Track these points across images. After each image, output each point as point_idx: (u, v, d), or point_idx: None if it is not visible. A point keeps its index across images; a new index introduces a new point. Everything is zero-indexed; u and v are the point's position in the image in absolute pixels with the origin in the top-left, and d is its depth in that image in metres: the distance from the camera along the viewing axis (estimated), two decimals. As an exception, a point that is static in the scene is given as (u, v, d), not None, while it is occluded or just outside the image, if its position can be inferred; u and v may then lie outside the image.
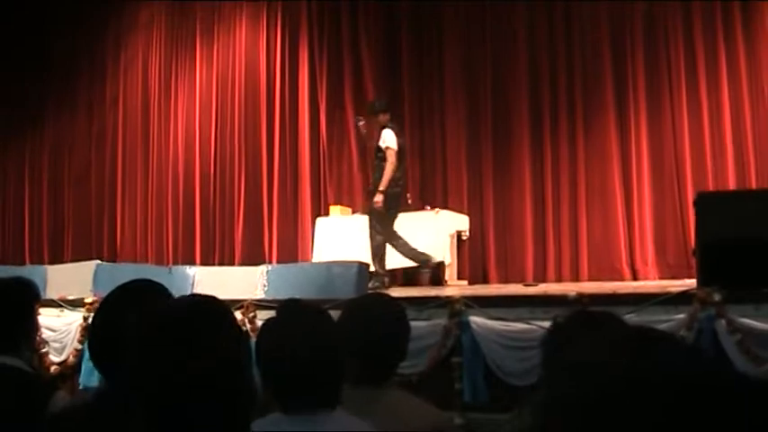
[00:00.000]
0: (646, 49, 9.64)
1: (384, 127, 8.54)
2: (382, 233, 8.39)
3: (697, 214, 5.67)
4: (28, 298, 3.24)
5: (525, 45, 10.13)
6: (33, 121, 13.25)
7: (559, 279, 9.59)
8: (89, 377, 6.59)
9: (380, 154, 8.41)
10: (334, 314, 2.44)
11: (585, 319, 2.42)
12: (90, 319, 6.78)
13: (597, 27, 9.83)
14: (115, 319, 2.12)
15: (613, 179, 9.57)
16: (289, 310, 2.26)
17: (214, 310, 1.61)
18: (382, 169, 8.34)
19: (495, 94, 10.26)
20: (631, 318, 4.85)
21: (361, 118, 9.06)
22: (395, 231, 8.47)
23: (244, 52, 11.71)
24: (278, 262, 10.02)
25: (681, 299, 5.27)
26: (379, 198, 8.26)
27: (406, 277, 9.79)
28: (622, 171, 9.60)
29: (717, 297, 5.02)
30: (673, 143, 9.44)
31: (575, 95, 9.91)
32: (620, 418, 1.00)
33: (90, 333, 2.26)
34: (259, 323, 5.06)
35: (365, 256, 8.05)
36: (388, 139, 8.40)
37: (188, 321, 1.54)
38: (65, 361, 6.96)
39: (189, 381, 1.47)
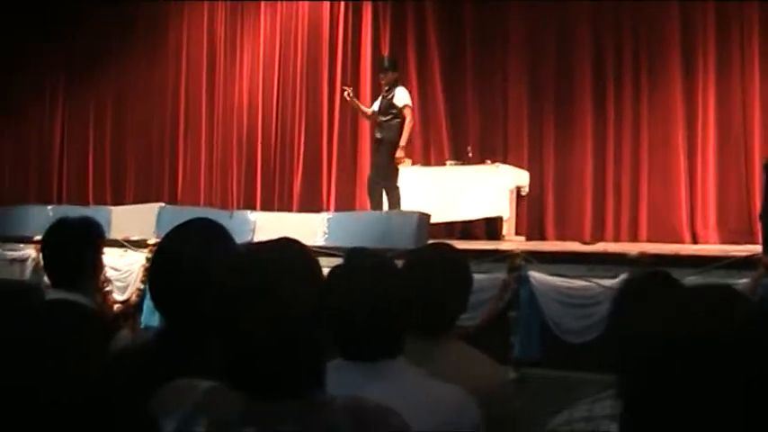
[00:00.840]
0: (717, 5, 9.38)
1: (396, 85, 8.89)
2: (394, 186, 8.71)
3: (766, 178, 5.56)
4: (93, 237, 3.28)
5: (590, 3, 9.93)
6: (97, 66, 13.38)
7: (617, 239, 9.50)
8: (151, 316, 6.72)
9: (394, 110, 8.73)
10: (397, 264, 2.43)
11: (661, 277, 2.38)
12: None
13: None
14: (175, 259, 2.14)
15: (677, 139, 9.41)
16: (356, 259, 2.25)
17: (303, 256, 1.61)
18: (396, 127, 8.71)
19: (559, 49, 10.12)
20: (695, 280, 4.77)
21: (346, 88, 9.30)
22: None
23: (307, 11, 11.65)
24: (335, 210, 10.06)
25: (745, 263, 5.20)
26: (401, 154, 8.72)
27: (463, 230, 9.78)
28: (687, 132, 9.43)
29: (783, 262, 4.94)
30: (741, 105, 9.24)
31: (640, 52, 9.74)
32: (691, 373, 1.00)
33: (150, 272, 2.27)
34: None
35: (424, 206, 8.05)
36: (405, 97, 8.83)
37: (280, 269, 1.54)
38: (127, 300, 7.12)
39: (276, 330, 1.48)
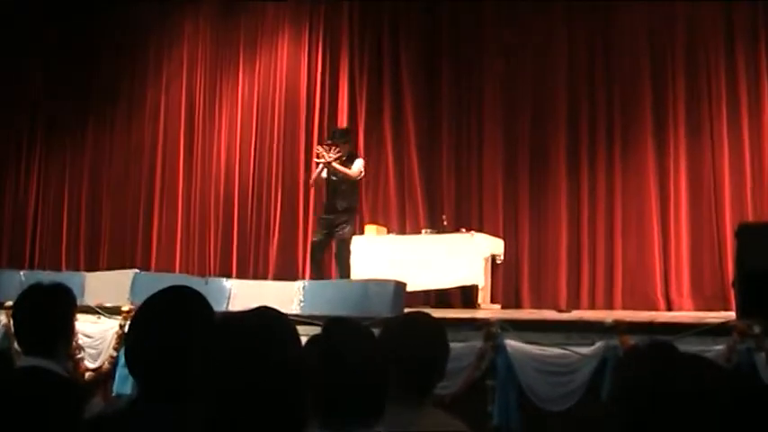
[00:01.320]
0: (686, 77, 9.63)
1: (353, 156, 9.13)
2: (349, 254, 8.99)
3: (738, 245, 5.61)
4: (66, 303, 3.25)
5: (564, 70, 10.14)
6: (74, 130, 13.41)
7: (593, 306, 9.53)
8: (123, 384, 6.62)
9: (354, 181, 8.93)
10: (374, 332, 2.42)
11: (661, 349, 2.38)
12: (127, 327, 6.85)
13: (636, 53, 9.82)
14: (152, 327, 2.12)
15: (650, 207, 9.51)
16: (335, 328, 2.25)
17: (283, 324, 1.61)
18: (356, 194, 9.08)
19: (534, 119, 10.26)
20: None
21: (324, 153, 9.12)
22: None
23: (285, 68, 11.80)
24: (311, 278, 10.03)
25: (719, 330, 5.21)
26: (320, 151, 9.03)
27: (438, 298, 9.78)
28: (659, 200, 9.54)
29: (756, 329, 4.96)
30: (712, 172, 9.37)
31: (613, 122, 9.89)
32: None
33: (126, 340, 2.25)
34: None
35: (400, 274, 8.04)
36: (362, 168, 9.07)
37: (261, 337, 1.54)
38: (99, 367, 7.01)
39: (259, 396, 1.47)
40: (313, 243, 9.27)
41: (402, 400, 2.47)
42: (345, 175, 8.97)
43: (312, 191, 10.56)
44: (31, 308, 3.16)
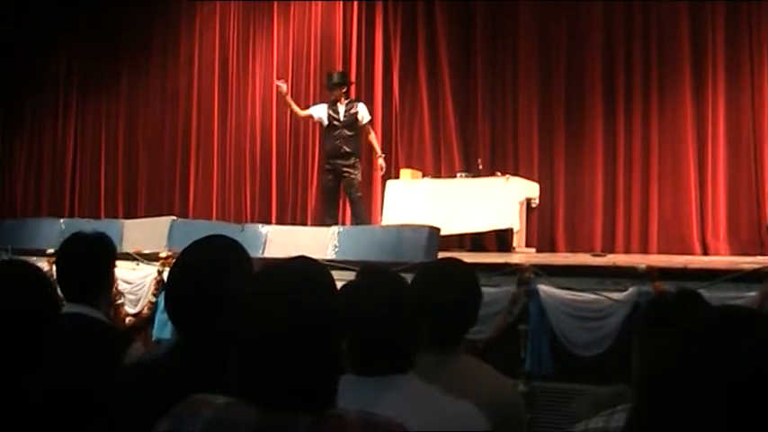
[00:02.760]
0: (727, 17, 9.41)
1: (354, 99, 9.45)
2: (361, 197, 9.37)
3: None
4: (107, 252, 3.32)
5: (601, 13, 9.95)
6: (109, 79, 13.48)
7: (628, 250, 9.49)
8: (162, 329, 6.76)
9: (358, 126, 9.19)
10: (406, 278, 2.45)
11: (688, 297, 2.41)
12: (166, 273, 6.97)
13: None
14: (194, 274, 2.17)
15: (687, 151, 9.40)
16: (368, 274, 2.29)
17: (320, 273, 1.64)
18: (359, 141, 9.27)
19: (569, 61, 10.13)
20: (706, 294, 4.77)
21: (279, 82, 9.67)
22: None
23: (320, 15, 11.71)
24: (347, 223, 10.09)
25: (754, 276, 5.19)
26: (384, 164, 9.44)
27: (473, 242, 9.80)
28: (697, 143, 9.42)
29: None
30: (751, 116, 9.24)
31: (650, 64, 9.73)
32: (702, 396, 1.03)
33: (168, 287, 2.30)
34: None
35: (435, 218, 8.07)
36: (368, 113, 9.37)
37: (299, 285, 1.57)
38: (139, 313, 7.15)
39: (297, 344, 1.51)
40: (323, 191, 9.53)
41: (435, 346, 2.51)
42: (293, 110, 9.59)
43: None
44: (73, 256, 3.23)
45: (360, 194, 9.32)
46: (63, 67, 13.96)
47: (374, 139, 9.53)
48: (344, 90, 9.42)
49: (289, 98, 9.59)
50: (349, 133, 9.16)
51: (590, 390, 4.91)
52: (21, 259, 3.56)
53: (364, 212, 9.38)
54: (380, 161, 9.43)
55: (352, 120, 9.20)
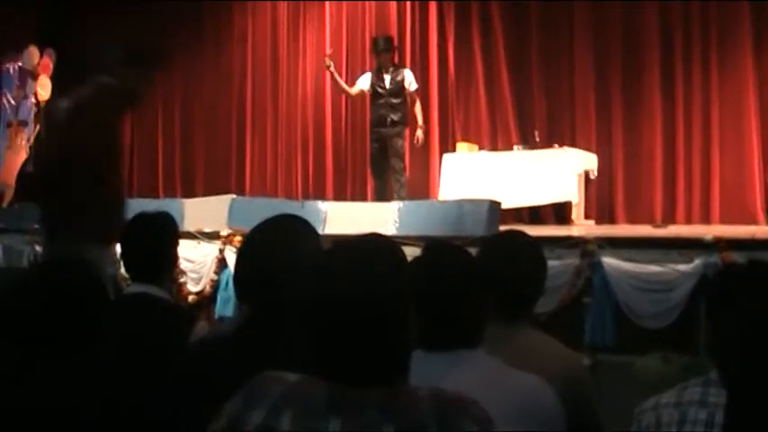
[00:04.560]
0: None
1: (399, 66, 9.29)
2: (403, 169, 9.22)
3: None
4: (170, 232, 3.36)
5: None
6: (164, 57, 13.56)
7: (689, 221, 9.34)
8: (224, 307, 6.83)
9: (404, 93, 9.01)
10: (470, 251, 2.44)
11: (759, 268, 2.36)
12: (227, 251, 7.03)
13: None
14: (264, 251, 2.18)
15: (749, 118, 9.21)
16: (434, 249, 2.28)
17: (393, 251, 1.65)
18: (406, 108, 9.06)
19: (625, 29, 9.95)
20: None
21: (328, 58, 9.47)
22: None
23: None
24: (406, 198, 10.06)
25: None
26: (422, 136, 9.25)
27: (532, 215, 9.72)
28: (759, 110, 9.22)
29: None
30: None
31: (709, 31, 9.53)
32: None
33: (238, 265, 2.31)
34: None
35: (492, 192, 8.02)
36: (414, 80, 9.16)
37: (370, 262, 1.57)
38: (201, 291, 7.22)
39: (369, 322, 1.51)
40: (371, 159, 9.44)
41: (502, 318, 2.50)
42: (340, 87, 9.40)
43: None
44: (137, 237, 3.28)
45: (402, 166, 9.16)
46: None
47: (419, 109, 9.30)
48: (390, 56, 9.24)
49: (337, 76, 9.45)
50: (395, 101, 8.99)
51: (637, 362, 4.86)
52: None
53: (403, 185, 9.13)
54: (419, 132, 9.18)
55: (399, 87, 9.04)
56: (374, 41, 9.55)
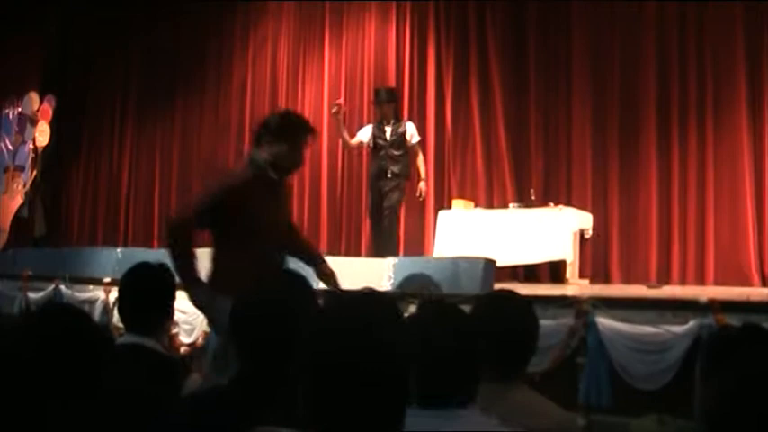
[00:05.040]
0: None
1: (400, 118, 9.12)
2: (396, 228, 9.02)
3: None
4: (169, 283, 3.36)
5: (654, 41, 9.86)
6: (164, 107, 13.69)
7: (683, 281, 9.34)
8: (216, 359, 6.77)
9: (406, 146, 8.88)
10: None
11: (753, 332, 2.38)
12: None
13: (731, 23, 9.45)
14: (260, 303, 2.18)
15: (744, 179, 9.23)
16: (429, 307, 2.29)
17: (390, 307, 1.65)
18: (407, 162, 8.91)
19: (622, 89, 10.03)
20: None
21: (339, 103, 9.23)
22: None
23: (372, 44, 11.79)
24: (402, 255, 10.05)
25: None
26: (424, 188, 9.12)
27: (527, 273, 9.73)
28: (754, 171, 9.25)
29: None
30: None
31: (705, 92, 9.59)
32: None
33: (233, 320, 2.30)
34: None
35: (488, 249, 8.03)
36: (416, 133, 9.06)
37: (367, 318, 1.57)
38: (194, 342, 7.19)
39: (363, 378, 1.50)
40: (369, 215, 9.27)
41: (496, 376, 2.52)
42: (343, 137, 9.12)
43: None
44: (137, 287, 3.27)
45: (394, 219, 8.94)
46: (119, 97, 14.23)
47: (422, 162, 9.17)
48: (393, 107, 9.13)
49: (342, 125, 9.22)
50: (396, 153, 8.84)
51: (633, 423, 4.83)
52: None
53: (392, 240, 8.91)
54: (421, 185, 9.02)
55: (400, 139, 8.90)
56: (376, 92, 9.47)
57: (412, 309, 2.28)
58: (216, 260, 4.53)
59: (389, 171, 8.83)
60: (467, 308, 2.57)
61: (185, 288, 4.39)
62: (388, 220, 8.84)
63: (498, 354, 2.54)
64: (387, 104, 9.05)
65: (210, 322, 4.76)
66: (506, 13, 10.83)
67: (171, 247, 4.46)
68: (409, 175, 9.05)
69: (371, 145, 9.06)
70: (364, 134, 9.16)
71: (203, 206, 4.53)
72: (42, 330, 2.14)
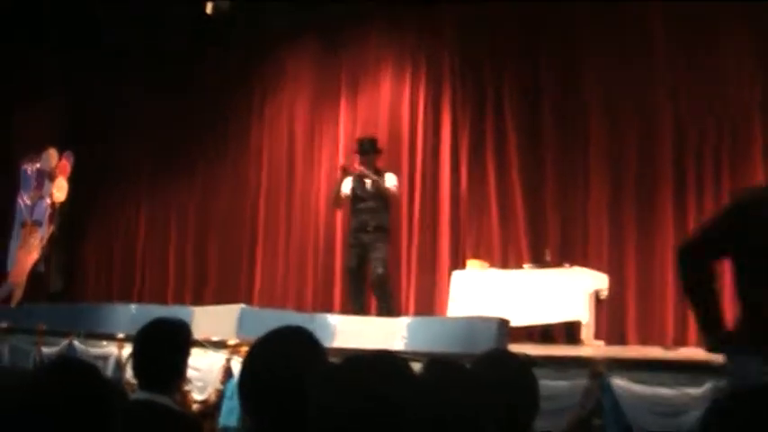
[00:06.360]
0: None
1: (381, 169, 8.90)
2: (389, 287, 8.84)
3: None
4: (185, 341, 3.36)
5: (670, 100, 9.87)
6: (180, 167, 13.81)
7: (700, 344, 9.20)
8: (229, 417, 6.76)
9: (385, 196, 8.72)
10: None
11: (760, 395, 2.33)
12: (234, 361, 6.99)
13: (744, 80, 9.45)
14: (270, 363, 2.17)
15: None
16: (434, 369, 2.28)
17: (403, 370, 1.64)
18: (387, 213, 8.81)
19: (639, 153, 10.01)
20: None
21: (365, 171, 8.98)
22: None
23: (387, 106, 11.86)
24: (414, 314, 10.03)
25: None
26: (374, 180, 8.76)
27: (541, 334, 9.66)
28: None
29: None
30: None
31: (721, 153, 9.56)
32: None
33: (243, 377, 2.30)
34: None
35: (502, 310, 8.00)
36: (397, 184, 8.96)
37: (380, 383, 1.57)
38: (206, 400, 7.16)
39: None
40: (349, 270, 9.01)
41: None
42: (388, 192, 8.70)
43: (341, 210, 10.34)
44: (152, 343, 3.27)
45: (385, 273, 8.73)
46: (136, 154, 14.36)
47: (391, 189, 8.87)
48: (374, 158, 9.00)
49: (341, 185, 9.05)
50: (375, 205, 8.69)
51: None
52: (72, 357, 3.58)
53: (389, 298, 8.75)
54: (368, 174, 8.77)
55: (380, 190, 8.79)
56: (359, 143, 9.34)
57: (417, 367, 2.25)
58: (744, 299, 3.67)
59: (369, 224, 8.70)
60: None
61: (702, 332, 3.68)
62: (381, 271, 8.63)
63: (500, 413, 2.51)
64: (368, 155, 8.93)
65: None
66: (522, 74, 10.89)
67: (682, 277, 3.77)
68: (390, 228, 8.94)
69: (351, 197, 8.90)
70: (345, 186, 9.01)
71: (714, 227, 3.74)
72: (52, 387, 2.14)
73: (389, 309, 8.66)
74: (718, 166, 9.59)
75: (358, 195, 8.84)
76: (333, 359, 2.20)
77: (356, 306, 8.78)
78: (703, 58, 9.73)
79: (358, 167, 8.88)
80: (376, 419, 1.51)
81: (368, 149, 9.03)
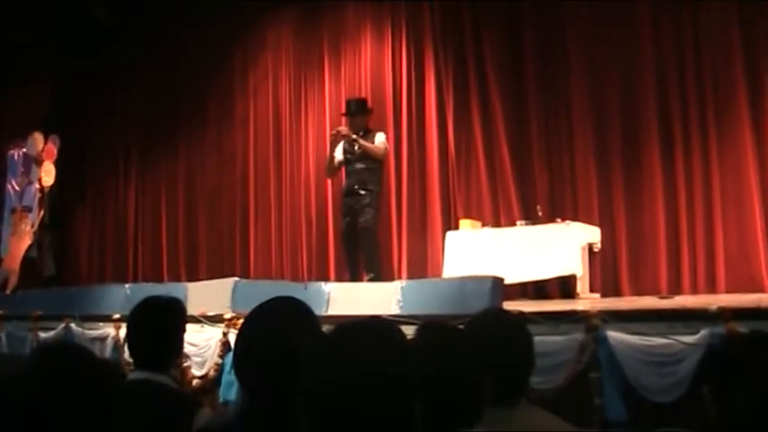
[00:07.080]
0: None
1: (370, 129, 8.70)
2: (377, 243, 8.73)
3: None
4: (180, 318, 3.35)
5: (653, 53, 9.86)
6: (167, 142, 13.77)
7: (695, 291, 9.28)
8: (228, 391, 6.77)
9: (372, 155, 8.49)
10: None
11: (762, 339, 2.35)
12: (231, 334, 6.99)
13: (728, 31, 9.45)
14: (263, 338, 2.17)
15: (750, 187, 9.19)
16: (425, 332, 2.28)
17: (394, 335, 1.64)
18: (379, 173, 8.63)
19: (624, 104, 10.03)
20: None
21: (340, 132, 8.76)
22: None
23: (370, 68, 11.86)
24: (408, 277, 10.05)
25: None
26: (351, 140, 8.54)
27: (536, 290, 9.69)
28: (759, 178, 9.21)
29: None
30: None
31: (706, 100, 9.57)
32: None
33: (237, 350, 2.30)
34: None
35: (496, 268, 8.01)
36: (386, 141, 8.73)
37: (373, 348, 1.57)
38: (205, 375, 7.16)
39: (371, 409, 1.50)
40: (342, 236, 8.87)
41: (497, 399, 2.49)
42: (372, 151, 8.46)
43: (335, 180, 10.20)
44: (146, 322, 3.26)
45: (374, 240, 8.58)
46: (122, 134, 14.31)
47: (380, 146, 8.63)
48: (364, 119, 8.78)
49: (333, 150, 8.83)
50: (363, 167, 8.49)
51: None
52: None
53: (377, 262, 8.54)
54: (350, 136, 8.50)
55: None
56: (347, 104, 9.16)
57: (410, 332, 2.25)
58: None
59: (356, 187, 8.52)
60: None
61: None
62: (367, 239, 8.48)
63: (496, 375, 2.50)
64: (357, 116, 8.74)
65: None
66: (503, 30, 10.87)
67: None
68: (381, 190, 8.82)
69: (344, 161, 8.71)
70: (338, 151, 8.81)
71: None
72: (47, 371, 2.13)
73: (371, 264, 8.47)
74: (703, 113, 9.58)
75: (348, 159, 8.67)
76: (327, 327, 2.21)
77: (351, 272, 8.73)
78: (689, 14, 9.71)
79: (345, 130, 8.71)
80: (367, 387, 1.51)
81: (354, 111, 8.88)
